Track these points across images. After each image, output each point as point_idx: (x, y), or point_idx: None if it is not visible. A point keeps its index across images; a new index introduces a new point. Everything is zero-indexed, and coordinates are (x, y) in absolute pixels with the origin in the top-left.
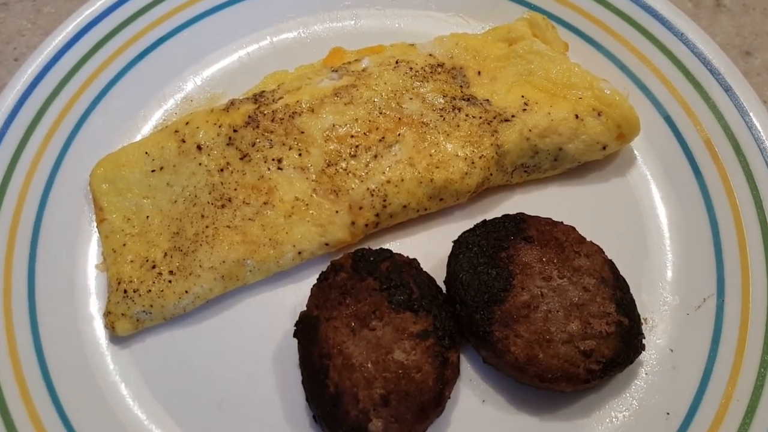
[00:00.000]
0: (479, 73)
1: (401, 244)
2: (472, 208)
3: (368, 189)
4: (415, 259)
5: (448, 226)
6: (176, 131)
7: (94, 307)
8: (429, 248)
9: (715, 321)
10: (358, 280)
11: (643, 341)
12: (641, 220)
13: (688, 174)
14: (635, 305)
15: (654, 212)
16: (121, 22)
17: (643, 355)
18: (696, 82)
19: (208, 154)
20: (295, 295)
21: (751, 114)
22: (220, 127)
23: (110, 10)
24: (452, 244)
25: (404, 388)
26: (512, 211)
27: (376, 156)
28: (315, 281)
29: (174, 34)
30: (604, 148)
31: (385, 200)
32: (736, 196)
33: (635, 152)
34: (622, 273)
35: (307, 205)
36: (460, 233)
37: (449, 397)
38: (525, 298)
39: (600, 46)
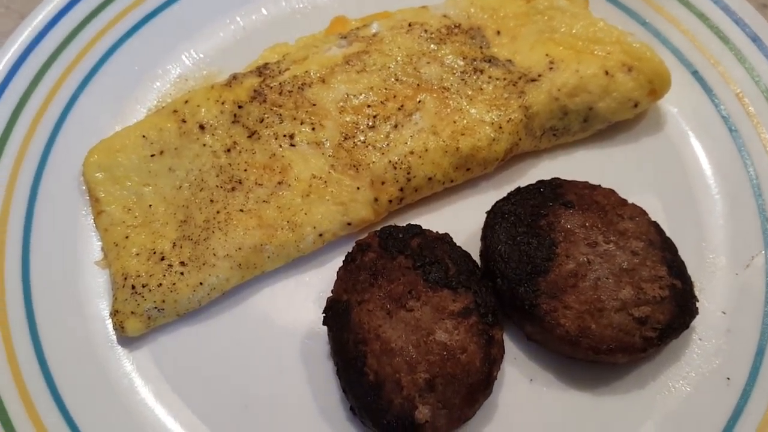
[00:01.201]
0: (498, 32)
1: (427, 221)
2: (499, 178)
3: (390, 162)
4: (446, 234)
5: (475, 198)
6: (175, 111)
7: (100, 307)
8: (457, 223)
9: (767, 278)
10: (388, 259)
11: (697, 305)
12: (675, 181)
13: (722, 130)
14: (685, 267)
15: (689, 171)
16: (100, 2)
17: (695, 321)
18: (722, 34)
19: (213, 134)
20: (318, 281)
21: None
22: (223, 104)
23: None
24: (485, 215)
25: (450, 371)
26: (542, 179)
27: (396, 126)
28: (339, 264)
29: (163, 9)
30: (635, 105)
31: (409, 173)
32: None
33: (664, 111)
34: None
35: (325, 182)
36: (489, 204)
37: (496, 378)
38: (571, 266)
39: (617, 1)
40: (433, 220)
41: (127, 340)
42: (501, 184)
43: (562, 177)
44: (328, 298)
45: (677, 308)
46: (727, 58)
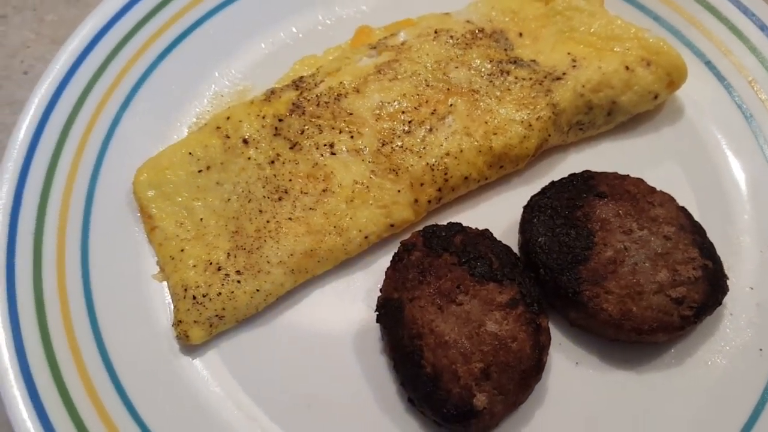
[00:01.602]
0: (521, 34)
1: (464, 218)
2: (529, 173)
3: (428, 164)
4: (487, 230)
5: (509, 194)
6: (218, 128)
7: (161, 318)
8: (494, 218)
9: None
10: (434, 257)
11: (727, 282)
12: (696, 167)
13: (738, 116)
14: (714, 248)
15: (707, 157)
16: (133, 25)
17: (726, 297)
18: (731, 25)
19: (256, 147)
20: (365, 281)
21: None
22: (263, 118)
23: (120, 14)
24: (519, 210)
25: (503, 359)
26: (571, 171)
27: (430, 129)
28: (383, 264)
29: (193, 29)
30: (655, 97)
31: (446, 173)
32: None
33: (682, 100)
34: None
35: (367, 187)
36: (522, 199)
37: (545, 363)
38: (609, 253)
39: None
40: (471, 216)
41: (190, 348)
42: (532, 179)
43: (590, 169)
44: (378, 297)
45: (710, 287)
46: (738, 48)
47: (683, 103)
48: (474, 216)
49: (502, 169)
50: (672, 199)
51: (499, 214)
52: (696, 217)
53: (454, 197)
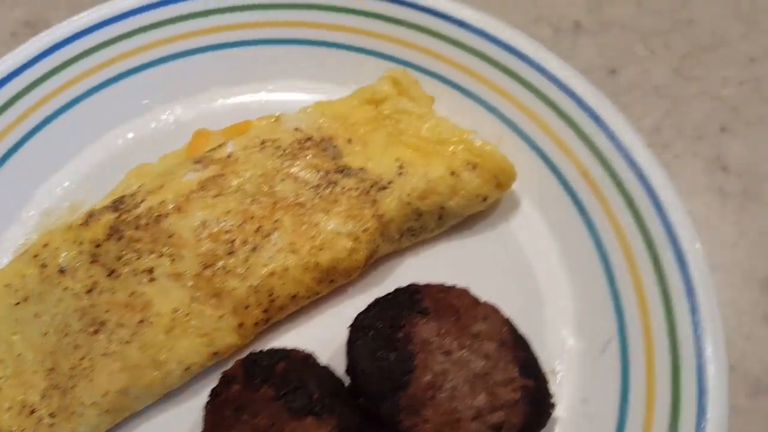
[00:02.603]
0: (350, 140)
1: (296, 336)
2: (366, 281)
3: (251, 286)
4: (310, 355)
5: (344, 305)
6: (35, 256)
7: None
8: (327, 334)
9: (621, 363)
10: (252, 390)
11: (552, 401)
12: (532, 267)
13: (572, 210)
14: (538, 363)
15: (543, 256)
16: None
17: (559, 410)
18: (565, 116)
19: (73, 276)
20: (190, 413)
21: (622, 140)
22: (81, 244)
23: None
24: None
25: None
26: (406, 278)
27: (254, 248)
28: (207, 393)
29: (20, 146)
30: (485, 199)
31: (271, 294)
32: (623, 226)
33: (518, 195)
34: (521, 326)
35: (187, 315)
36: (355, 312)
37: None
38: (428, 378)
39: (467, 91)
40: (304, 333)
41: None
42: (368, 287)
43: (427, 274)
44: None
45: (530, 408)
46: (573, 140)
47: (519, 199)
48: (307, 332)
49: (333, 282)
50: (496, 311)
51: (334, 329)
52: (525, 325)
53: (285, 315)
